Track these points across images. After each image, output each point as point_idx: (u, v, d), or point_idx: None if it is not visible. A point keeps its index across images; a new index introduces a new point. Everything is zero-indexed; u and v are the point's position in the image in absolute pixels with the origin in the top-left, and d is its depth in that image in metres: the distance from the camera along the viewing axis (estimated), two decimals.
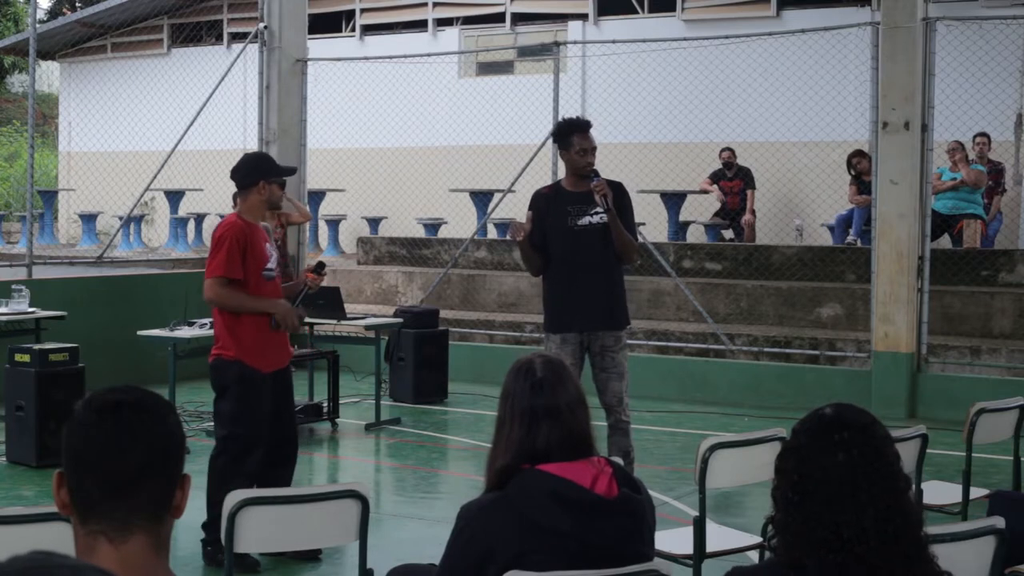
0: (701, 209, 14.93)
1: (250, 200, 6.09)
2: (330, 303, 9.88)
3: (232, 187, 6.23)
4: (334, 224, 16.66)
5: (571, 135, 6.39)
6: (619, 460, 3.25)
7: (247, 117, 13.81)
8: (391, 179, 16.77)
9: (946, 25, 10.63)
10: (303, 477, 8.22)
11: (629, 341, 6.94)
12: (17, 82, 31.25)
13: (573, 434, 3.03)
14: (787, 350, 11.24)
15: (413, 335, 10.57)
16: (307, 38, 13.03)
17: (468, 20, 17.74)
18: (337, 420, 9.50)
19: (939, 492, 5.65)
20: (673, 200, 14.55)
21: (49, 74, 28.05)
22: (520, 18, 17.34)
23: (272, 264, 6.13)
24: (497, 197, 14.15)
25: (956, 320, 11.39)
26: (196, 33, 19.17)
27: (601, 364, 6.42)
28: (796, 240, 14.57)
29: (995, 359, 10.66)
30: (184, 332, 8.36)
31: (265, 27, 12.43)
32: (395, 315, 10.83)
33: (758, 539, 4.77)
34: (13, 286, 9.41)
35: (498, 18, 17.36)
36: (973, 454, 5.55)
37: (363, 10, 18.27)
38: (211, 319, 6.68)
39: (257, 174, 6.09)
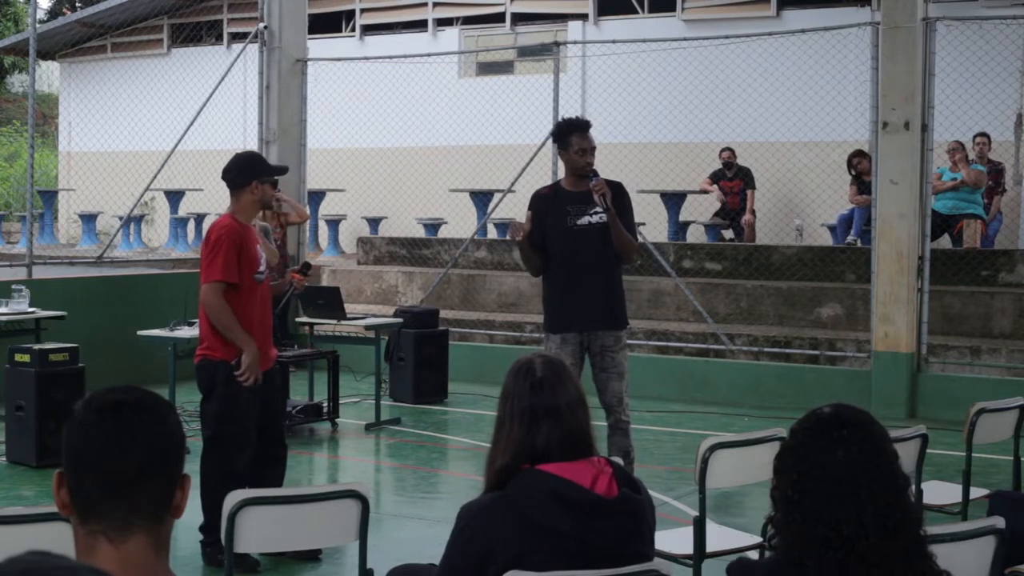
0: (701, 209, 14.93)
1: (243, 200, 6.04)
2: (330, 303, 9.89)
3: None
4: (334, 224, 16.66)
5: (570, 135, 6.39)
6: (619, 460, 3.25)
7: (247, 117, 13.82)
8: (391, 179, 16.77)
9: (946, 25, 10.63)
10: (303, 477, 8.23)
11: (629, 341, 6.94)
12: (17, 82, 31.25)
13: (573, 434, 3.03)
14: (787, 350, 11.24)
15: (413, 335, 10.57)
16: (307, 38, 13.04)
17: (468, 20, 17.74)
18: (337, 420, 9.50)
19: (939, 492, 5.65)
20: (673, 200, 14.55)
21: (49, 74, 28.05)
22: (520, 18, 17.34)
23: (262, 266, 6.11)
24: (497, 197, 14.15)
25: (956, 320, 11.39)
26: (196, 33, 19.18)
27: (601, 364, 6.42)
28: (796, 240, 14.57)
29: (995, 359, 10.66)
30: (184, 332, 8.36)
31: (265, 27, 12.43)
32: (395, 315, 10.83)
33: (758, 539, 4.77)
34: (13, 286, 9.41)
35: (498, 18, 17.36)
36: (973, 454, 5.55)
37: (363, 10, 18.27)
38: None
39: (249, 174, 6.03)
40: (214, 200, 14.41)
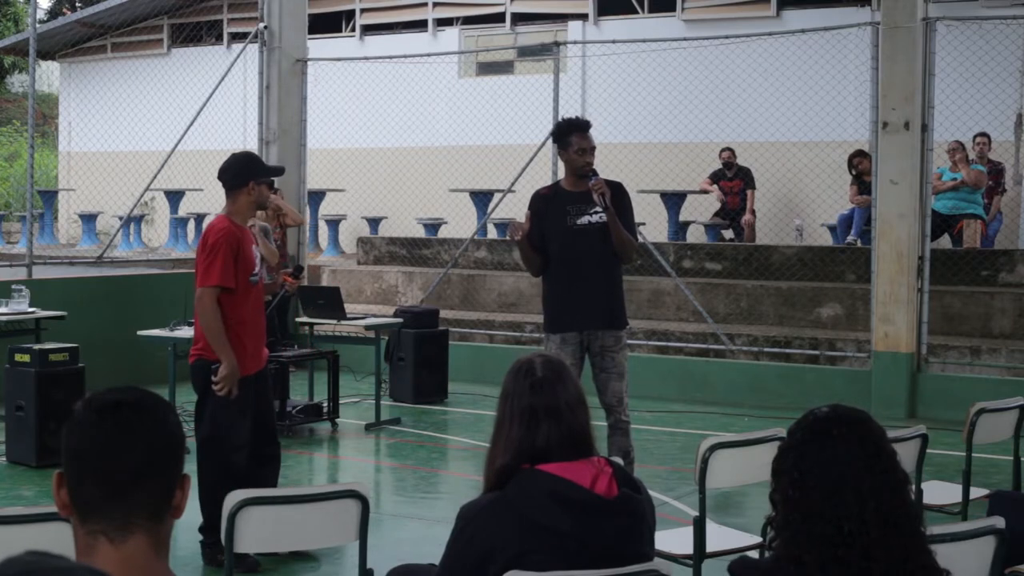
0: (701, 209, 14.93)
1: (239, 201, 6.02)
2: (330, 303, 9.89)
3: None
4: (334, 224, 16.66)
5: (570, 134, 6.39)
6: (619, 460, 3.25)
7: (247, 117, 13.82)
8: (391, 179, 16.77)
9: (946, 25, 10.63)
10: (303, 477, 8.23)
11: (629, 341, 6.94)
12: (17, 82, 31.25)
13: (573, 434, 3.03)
14: (787, 350, 11.24)
15: (413, 335, 10.57)
16: (307, 38, 13.04)
17: (468, 20, 17.74)
18: (337, 420, 9.50)
19: (939, 492, 5.65)
20: (673, 200, 14.55)
21: (49, 74, 28.05)
22: (520, 18, 17.34)
23: (258, 268, 6.11)
24: (497, 197, 14.15)
25: (956, 320, 11.39)
26: (196, 33, 19.17)
27: (601, 364, 6.41)
28: (796, 240, 14.57)
29: (995, 359, 10.66)
30: (184, 332, 8.35)
31: (265, 27, 12.44)
32: (395, 315, 10.83)
33: (758, 539, 4.77)
34: (13, 286, 9.41)
35: (498, 18, 17.36)
36: (973, 454, 5.55)
37: (363, 10, 18.27)
38: None
39: (246, 174, 6.01)
40: (214, 200, 14.36)
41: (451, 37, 17.64)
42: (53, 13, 28.59)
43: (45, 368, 8.01)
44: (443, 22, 17.86)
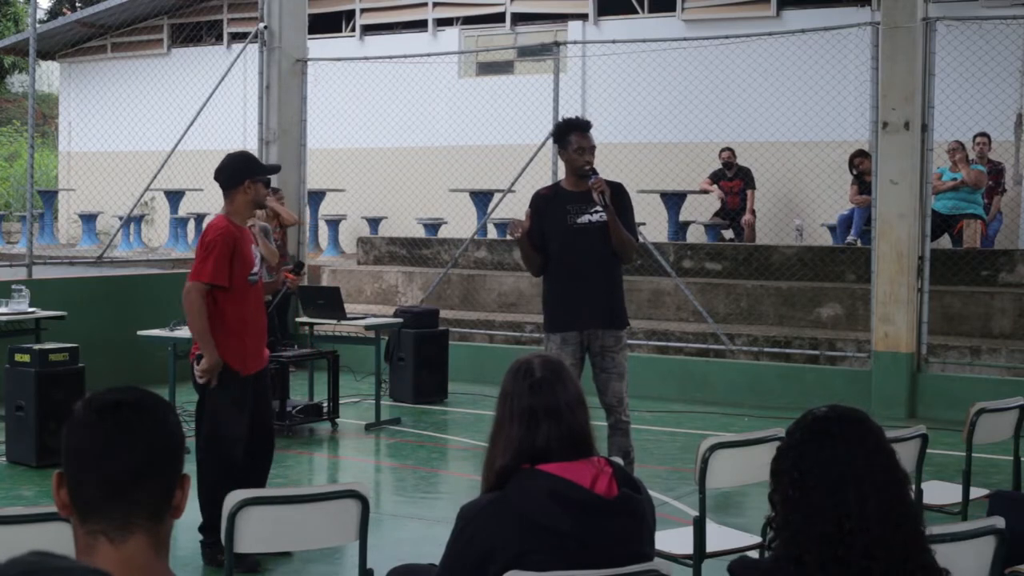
0: (701, 209, 14.93)
1: (236, 201, 6.03)
2: (330, 303, 9.89)
3: None
4: (334, 224, 16.66)
5: (569, 134, 6.39)
6: (619, 460, 3.25)
7: (247, 117, 13.82)
8: (391, 179, 16.76)
9: (946, 25, 10.63)
10: (303, 477, 8.23)
11: (629, 341, 6.93)
12: (17, 82, 31.25)
13: (573, 434, 3.03)
14: (787, 350, 11.24)
15: (413, 335, 10.57)
16: (307, 38, 13.04)
17: (468, 20, 17.74)
18: (337, 420, 9.50)
19: (939, 492, 5.65)
20: (673, 200, 14.55)
21: (49, 74, 28.04)
22: (520, 18, 17.34)
23: (256, 268, 6.11)
24: (497, 197, 14.15)
25: (956, 320, 11.39)
26: (196, 33, 19.18)
27: (601, 364, 6.41)
28: (796, 240, 14.57)
29: (995, 359, 10.66)
30: (184, 332, 8.34)
31: (265, 27, 12.44)
32: (395, 315, 10.83)
33: (758, 539, 4.77)
34: (13, 286, 9.41)
35: (498, 18, 17.36)
36: (973, 454, 5.55)
37: (363, 10, 18.27)
38: None
39: (243, 173, 6.02)
40: (214, 200, 14.34)
41: (451, 37, 17.64)
42: (53, 13, 28.59)
43: (45, 368, 8.01)
44: (443, 22, 17.86)
